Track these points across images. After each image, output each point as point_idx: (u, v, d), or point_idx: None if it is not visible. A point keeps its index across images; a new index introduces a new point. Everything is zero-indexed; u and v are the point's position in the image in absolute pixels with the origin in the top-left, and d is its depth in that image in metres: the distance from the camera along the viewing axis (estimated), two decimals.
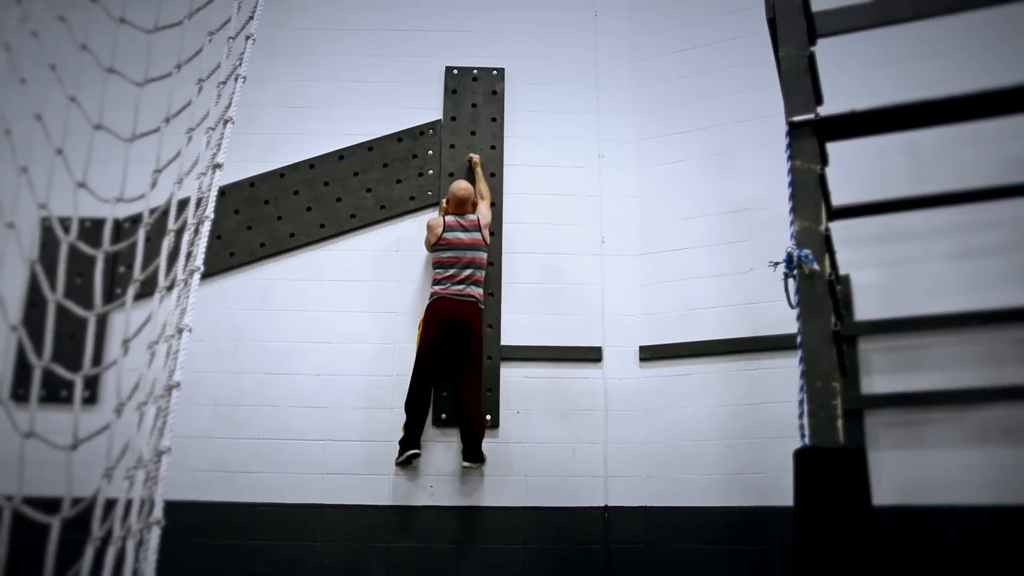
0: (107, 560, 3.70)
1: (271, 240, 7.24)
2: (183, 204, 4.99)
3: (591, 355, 7.07)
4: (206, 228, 4.19)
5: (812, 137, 4.67)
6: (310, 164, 7.45)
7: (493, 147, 7.51)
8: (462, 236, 6.92)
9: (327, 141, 7.52)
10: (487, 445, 6.78)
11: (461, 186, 7.11)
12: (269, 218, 7.28)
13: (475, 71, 7.74)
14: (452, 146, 7.51)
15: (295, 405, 6.91)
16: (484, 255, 7.00)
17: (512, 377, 6.98)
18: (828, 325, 4.38)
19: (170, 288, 4.47)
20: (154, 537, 3.14)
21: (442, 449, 6.85)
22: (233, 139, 5.35)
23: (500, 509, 6.73)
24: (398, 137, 7.56)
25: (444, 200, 7.22)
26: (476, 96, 7.66)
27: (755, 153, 7.04)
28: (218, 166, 4.38)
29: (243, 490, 6.67)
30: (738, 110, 7.23)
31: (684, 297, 7.04)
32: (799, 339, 4.41)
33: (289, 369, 6.96)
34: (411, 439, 6.71)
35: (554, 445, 6.87)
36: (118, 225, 7.27)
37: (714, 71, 7.44)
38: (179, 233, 4.86)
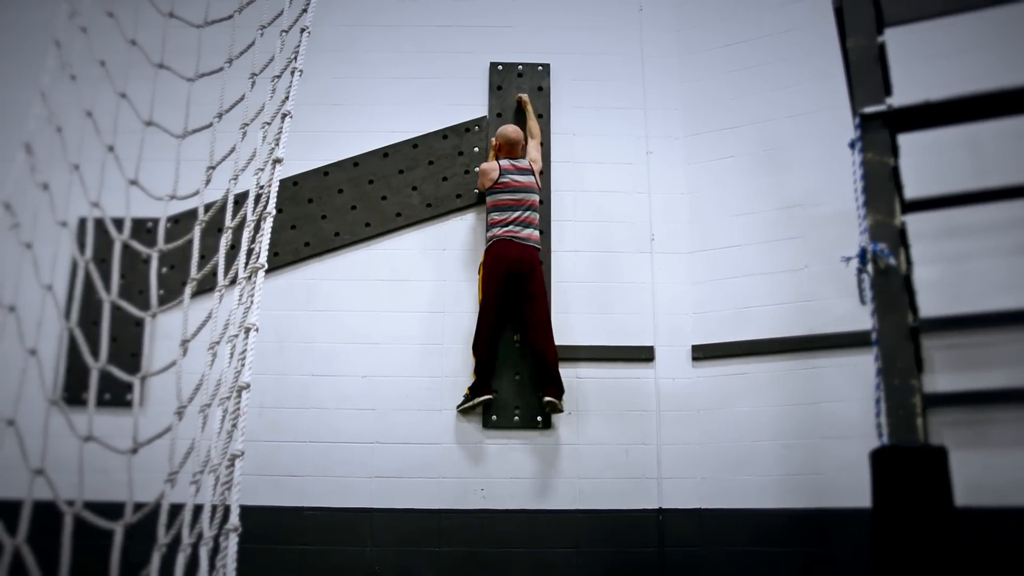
0: (177, 566, 3.60)
1: (316, 239, 7.15)
2: (230, 200, 4.91)
3: (643, 355, 6.94)
4: (268, 224, 4.09)
5: (884, 129, 4.52)
6: (354, 162, 7.35)
7: (540, 144, 7.36)
8: (519, 179, 6.91)
9: (370, 139, 7.42)
10: (539, 447, 6.73)
11: (513, 128, 7.16)
12: (313, 217, 7.18)
13: (520, 67, 7.63)
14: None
15: (342, 407, 6.81)
16: (537, 198, 7.00)
17: (563, 377, 6.80)
18: (905, 321, 4.24)
19: (231, 283, 4.38)
20: (232, 544, 3.01)
21: (493, 452, 6.74)
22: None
23: (552, 512, 6.61)
24: (443, 134, 7.45)
25: (494, 142, 7.19)
26: (522, 92, 7.54)
27: (808, 148, 6.90)
28: (278, 161, 4.30)
29: (290, 494, 6.57)
30: (789, 105, 7.09)
31: (736, 295, 6.90)
32: (874, 336, 4.26)
33: (335, 371, 6.86)
34: (483, 383, 6.73)
35: (607, 446, 6.75)
36: (157, 225, 7.19)
37: (762, 65, 7.31)
38: (236, 230, 4.77)
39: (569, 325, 7.02)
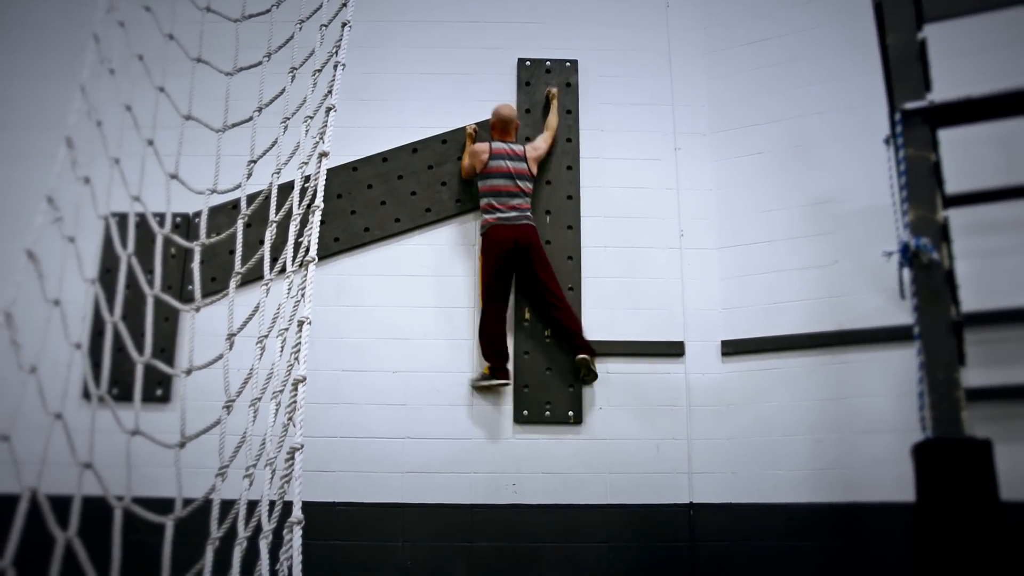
0: (234, 560, 3.61)
1: (345, 235, 7.15)
2: (274, 194, 4.92)
3: (673, 350, 6.95)
4: (316, 218, 4.09)
5: (925, 124, 4.52)
6: (383, 157, 7.35)
7: (569, 140, 7.39)
8: (510, 164, 6.92)
9: (399, 134, 7.43)
10: (570, 442, 6.75)
11: (507, 106, 7.20)
12: (343, 212, 7.18)
13: (548, 63, 7.62)
14: (527, 139, 7.37)
15: (372, 403, 6.81)
16: (531, 185, 7.00)
17: None
18: (947, 315, 4.24)
19: (280, 272, 4.38)
20: (297, 537, 3.02)
21: (524, 447, 6.74)
22: (291, 135, 5.28)
23: (584, 507, 6.61)
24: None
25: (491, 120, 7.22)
26: (551, 87, 7.52)
27: (837, 145, 6.91)
28: (324, 154, 4.29)
29: (321, 489, 6.57)
30: (817, 101, 7.09)
31: (766, 291, 6.91)
32: (916, 330, 4.26)
33: (366, 366, 6.86)
34: (498, 368, 6.74)
35: (637, 441, 6.76)
36: (188, 220, 7.20)
37: (790, 62, 7.31)
38: (282, 223, 4.77)
39: (599, 320, 7.02)
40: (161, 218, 5.22)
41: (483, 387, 6.75)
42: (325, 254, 7.07)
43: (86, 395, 6.57)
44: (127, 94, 5.26)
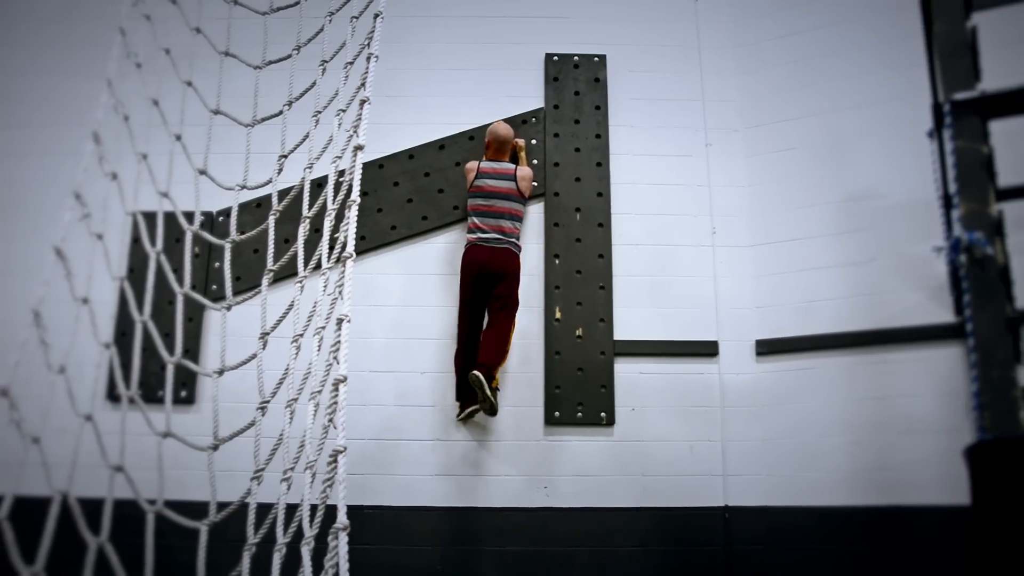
0: (274, 567, 3.51)
1: (372, 233, 7.04)
2: (307, 189, 4.82)
3: (706, 349, 6.82)
4: (354, 213, 3.98)
5: (975, 116, 4.37)
6: (409, 154, 7.25)
7: (598, 136, 7.28)
8: (494, 183, 6.76)
9: (425, 131, 7.33)
10: (602, 444, 6.65)
11: (503, 126, 6.99)
12: (369, 210, 7.05)
13: (576, 58, 7.51)
14: (556, 135, 7.28)
15: (402, 404, 6.71)
16: (519, 207, 6.82)
17: (626, 373, 6.75)
18: (1003, 312, 4.10)
19: (314, 268, 4.28)
20: (343, 543, 2.90)
21: (556, 449, 6.63)
22: (323, 129, 5.18)
23: (617, 510, 6.50)
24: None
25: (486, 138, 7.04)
26: (578, 84, 7.44)
27: (871, 140, 6.77)
28: (360, 148, 4.19)
29: (351, 492, 6.39)
30: (850, 96, 6.96)
31: (801, 289, 6.77)
32: (969, 328, 4.11)
33: (394, 367, 6.75)
34: (464, 394, 6.54)
35: (670, 443, 6.63)
36: (211, 219, 7.10)
37: (822, 56, 7.18)
38: (315, 219, 4.68)
39: (631, 320, 6.91)
40: (190, 216, 5.11)
41: (465, 417, 6.62)
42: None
43: (110, 396, 6.47)
44: (153, 89, 5.17)
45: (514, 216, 6.74)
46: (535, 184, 7.07)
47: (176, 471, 4.91)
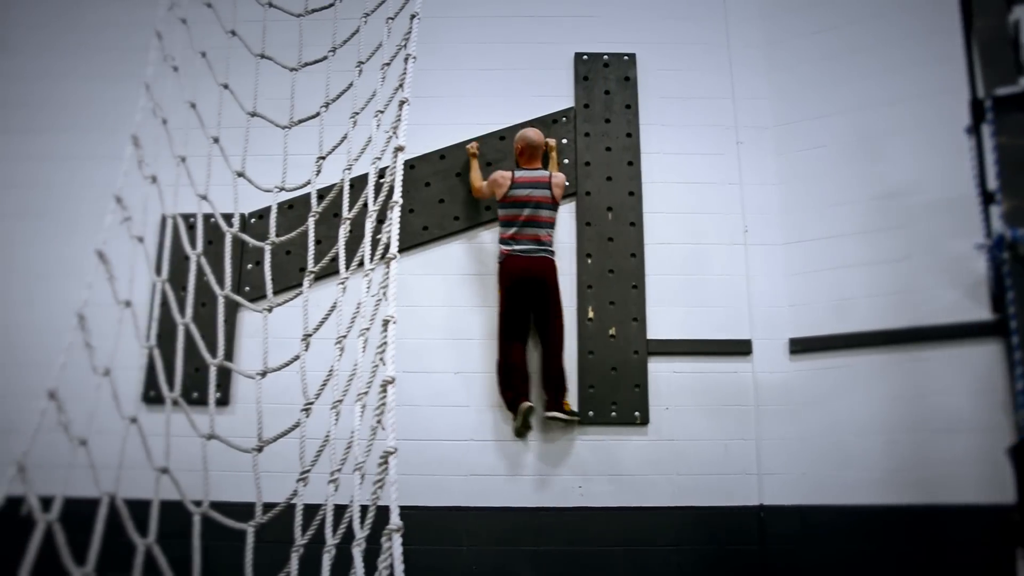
0: (324, 568, 3.52)
1: (403, 234, 6.87)
2: (346, 189, 4.82)
3: (739, 348, 6.81)
4: (396, 214, 4.00)
5: (1018, 111, 4.35)
6: (440, 155, 7.24)
7: (629, 135, 7.26)
8: (530, 192, 6.71)
9: (455, 131, 7.32)
10: (637, 443, 6.63)
11: (534, 131, 6.97)
12: (401, 210, 7.03)
13: (605, 57, 7.50)
14: (587, 134, 7.28)
15: (434, 404, 6.70)
16: (553, 214, 6.79)
17: (659, 372, 6.74)
18: None
19: (358, 266, 4.29)
20: (397, 545, 2.91)
21: (590, 448, 6.62)
22: (360, 130, 5.19)
23: (651, 509, 6.49)
24: (530, 126, 7.29)
25: (516, 145, 7.01)
26: (608, 83, 7.42)
27: (904, 136, 6.72)
28: (400, 148, 4.20)
29: (370, 493, 6.45)
30: (882, 92, 6.91)
31: (834, 287, 6.74)
32: (1012, 325, 4.09)
33: (427, 367, 6.74)
34: (515, 402, 6.50)
35: (705, 442, 6.62)
36: (244, 220, 7.11)
37: (853, 52, 7.14)
38: (356, 220, 4.68)
39: (664, 319, 6.91)
40: (228, 218, 5.14)
41: (521, 429, 6.54)
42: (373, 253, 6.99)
43: (144, 398, 6.50)
44: (190, 92, 5.20)
45: (550, 224, 6.74)
46: (567, 184, 7.07)
47: (213, 472, 4.91)
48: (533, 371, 6.72)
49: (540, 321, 6.65)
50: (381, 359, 3.65)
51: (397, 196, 3.99)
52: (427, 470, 6.54)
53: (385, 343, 3.59)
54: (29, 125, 7.61)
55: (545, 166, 7.02)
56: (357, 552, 3.16)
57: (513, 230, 6.65)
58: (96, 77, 7.66)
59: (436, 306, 6.92)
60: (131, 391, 6.36)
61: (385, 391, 3.35)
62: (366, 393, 3.82)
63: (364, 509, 3.34)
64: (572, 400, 6.66)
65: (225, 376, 6.78)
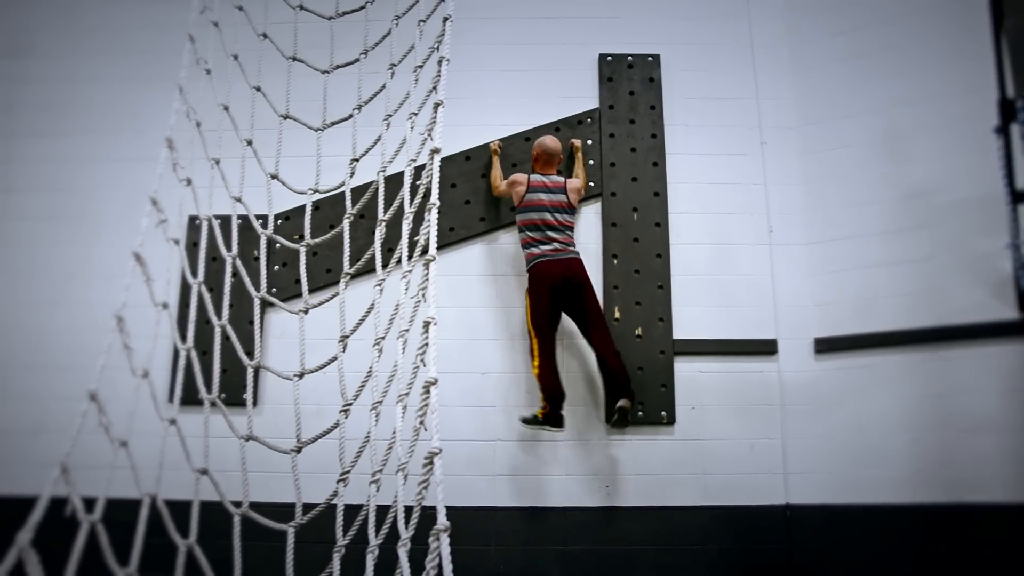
0: (368, 568, 3.55)
1: None
2: (381, 191, 4.86)
3: (765, 348, 6.83)
4: (434, 216, 4.03)
5: None
6: (466, 156, 7.27)
7: (654, 135, 7.28)
8: (547, 197, 6.68)
9: (480, 132, 7.34)
10: (663, 443, 6.67)
11: (551, 139, 6.93)
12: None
13: (630, 58, 7.52)
14: (612, 135, 7.30)
15: (462, 404, 6.72)
16: (571, 218, 6.75)
17: (685, 372, 6.77)
18: None
19: (394, 264, 4.32)
20: (445, 545, 2.94)
21: (618, 448, 6.64)
22: (371, 133, 5.22)
23: (678, 509, 6.52)
24: (555, 127, 7.35)
25: (533, 151, 6.98)
26: (633, 84, 7.44)
27: (929, 136, 6.72)
28: (436, 151, 4.24)
29: (411, 493, 6.48)
30: (907, 92, 6.91)
31: (859, 286, 6.76)
32: None
33: (455, 367, 6.72)
34: (555, 415, 6.39)
35: (731, 441, 6.65)
36: (261, 221, 7.16)
37: (876, 53, 7.14)
38: (392, 222, 4.71)
39: (690, 319, 6.93)
40: (252, 220, 5.18)
41: (531, 428, 6.50)
42: (409, 254, 7.01)
43: (171, 400, 6.52)
44: (223, 95, 5.24)
45: (570, 228, 6.71)
46: (591, 184, 7.10)
47: (236, 473, 4.93)
48: (580, 374, 6.82)
49: (584, 323, 6.59)
50: (422, 360, 3.68)
51: (434, 198, 4.03)
52: (455, 470, 6.55)
53: (426, 344, 3.60)
54: (53, 128, 7.66)
55: (568, 171, 7.06)
56: (403, 552, 3.20)
57: (535, 234, 6.62)
58: (120, 80, 7.72)
59: (463, 307, 6.94)
60: (158, 393, 6.42)
61: (428, 392, 3.37)
62: (407, 394, 3.86)
63: (408, 509, 3.34)
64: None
65: (254, 377, 6.81)
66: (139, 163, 7.35)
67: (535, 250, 6.60)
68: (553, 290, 6.48)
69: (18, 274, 7.30)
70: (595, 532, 6.49)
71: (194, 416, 4.30)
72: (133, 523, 3.42)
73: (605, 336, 6.54)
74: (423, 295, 3.84)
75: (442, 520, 2.94)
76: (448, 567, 2.84)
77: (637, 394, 6.63)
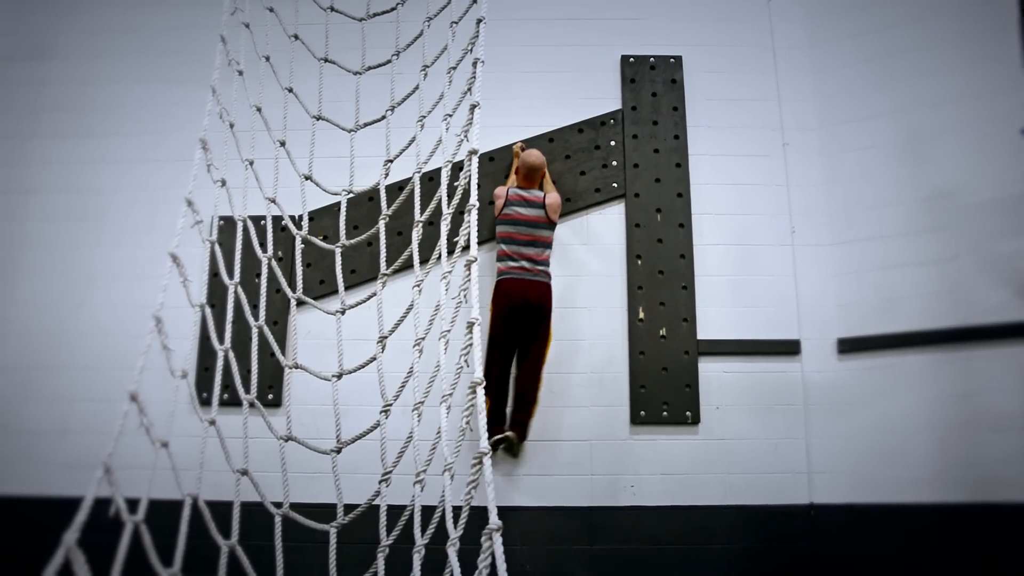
0: (415, 568, 3.57)
1: (458, 235, 7.07)
2: (417, 192, 4.88)
3: (788, 348, 6.84)
4: (474, 217, 4.04)
5: None
6: (490, 157, 7.27)
7: (677, 136, 7.31)
8: (523, 211, 6.66)
9: (505, 133, 7.35)
10: (688, 443, 6.68)
11: (535, 154, 6.87)
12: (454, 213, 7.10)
13: (652, 59, 7.54)
14: (635, 136, 7.32)
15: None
16: (548, 234, 6.70)
17: (710, 372, 6.79)
18: None
19: (433, 263, 4.34)
20: (498, 544, 2.95)
21: (643, 448, 6.66)
22: (404, 134, 5.24)
23: (703, 508, 6.54)
24: (578, 128, 7.38)
25: (514, 165, 7.03)
26: (655, 85, 7.47)
27: (952, 137, 6.74)
28: (474, 152, 4.26)
29: (438, 493, 6.50)
30: (929, 94, 6.93)
31: (882, 287, 6.77)
32: None
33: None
34: (494, 420, 6.47)
35: (755, 441, 6.66)
36: (296, 223, 7.17)
37: (898, 54, 7.16)
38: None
39: (714, 319, 6.95)
40: (278, 220, 5.21)
41: (493, 444, 6.44)
42: (435, 256, 7.04)
43: (199, 401, 6.55)
44: (254, 98, 5.26)
45: (544, 243, 6.66)
46: (615, 185, 7.12)
47: (266, 474, 4.95)
48: (600, 376, 6.87)
49: (526, 345, 6.59)
50: (466, 361, 3.69)
51: (474, 199, 4.04)
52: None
53: (470, 344, 3.62)
54: (75, 129, 7.68)
55: (542, 188, 6.97)
56: (452, 551, 3.21)
57: (507, 248, 6.60)
58: (141, 82, 7.75)
59: (486, 307, 6.94)
60: (183, 393, 6.44)
61: (475, 393, 3.38)
62: (451, 394, 3.88)
63: (456, 509, 3.36)
64: (538, 415, 6.66)
65: (277, 378, 6.85)
66: (161, 165, 7.39)
67: (502, 265, 6.60)
68: (512, 309, 6.48)
69: (41, 275, 7.32)
70: (620, 532, 6.50)
71: (221, 417, 4.28)
72: (164, 524, 3.41)
73: (533, 367, 6.58)
74: (464, 296, 3.85)
75: (494, 519, 2.96)
76: (502, 566, 2.85)
77: (667, 390, 6.70)
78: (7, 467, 6.81)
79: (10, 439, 6.89)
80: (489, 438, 6.34)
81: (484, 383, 3.46)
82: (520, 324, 6.53)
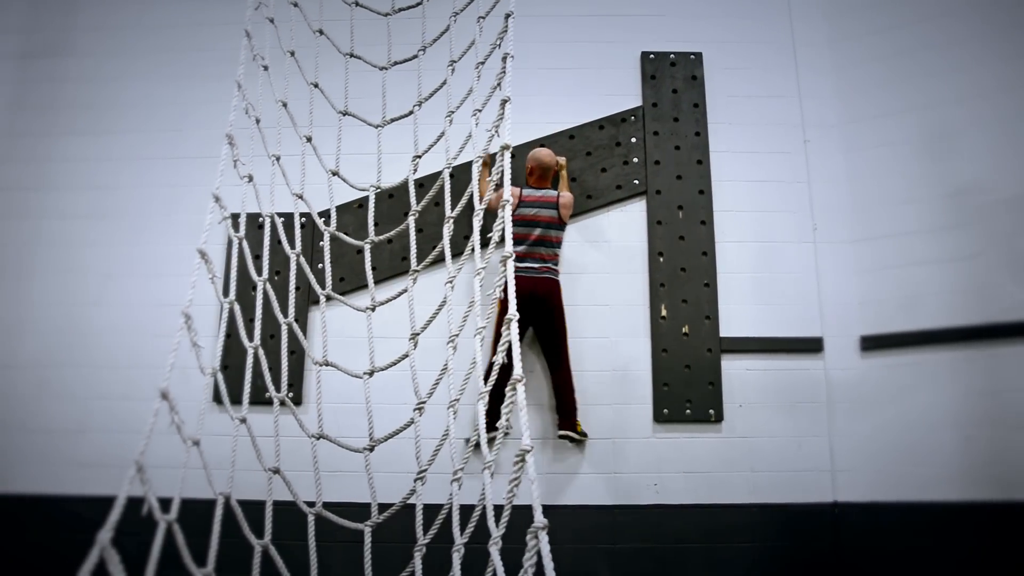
0: (454, 567, 3.54)
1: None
2: (447, 187, 4.86)
3: (811, 346, 6.81)
4: (508, 212, 4.01)
5: None
6: (512, 154, 7.21)
7: (697, 133, 7.28)
8: (535, 211, 6.65)
9: (525, 130, 7.31)
10: (711, 441, 6.66)
11: (546, 152, 6.88)
12: (472, 210, 7.07)
13: (672, 56, 7.51)
14: (655, 133, 7.29)
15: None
16: (560, 234, 6.72)
17: (732, 369, 6.76)
18: None
19: (466, 257, 4.32)
20: (544, 543, 2.91)
21: (665, 446, 6.64)
22: (429, 129, 5.22)
23: (727, 506, 6.51)
24: (599, 124, 7.36)
25: (527, 164, 6.98)
26: (676, 82, 7.43)
27: (975, 134, 6.71)
28: (507, 147, 4.23)
29: (465, 492, 6.46)
30: (952, 90, 6.90)
31: (905, 284, 6.74)
32: None
33: None
34: (491, 422, 6.32)
35: (778, 439, 6.64)
36: (323, 218, 7.16)
37: (920, 50, 7.13)
38: (459, 219, 4.70)
39: (736, 316, 6.92)
40: (322, 216, 5.18)
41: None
42: (456, 252, 6.99)
43: (216, 399, 6.52)
44: (280, 93, 5.24)
45: (557, 244, 6.67)
46: (636, 182, 7.11)
47: (289, 472, 4.91)
48: (621, 373, 6.84)
49: (546, 345, 6.64)
50: (504, 358, 3.67)
51: (507, 195, 4.00)
52: (506, 468, 6.54)
53: (508, 341, 3.59)
54: (93, 127, 7.66)
55: (555, 186, 6.94)
56: (495, 550, 3.18)
57: (521, 248, 6.57)
58: (160, 80, 7.73)
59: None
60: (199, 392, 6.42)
61: (515, 390, 3.35)
62: (487, 392, 3.86)
63: (498, 508, 3.32)
64: (580, 418, 6.65)
65: (297, 376, 6.82)
66: (179, 162, 7.37)
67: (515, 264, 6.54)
68: (520, 305, 6.38)
69: (58, 273, 7.29)
70: (644, 530, 6.48)
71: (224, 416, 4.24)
72: (192, 524, 3.37)
73: (563, 371, 6.60)
74: (499, 290, 3.83)
75: (539, 518, 2.91)
76: (549, 564, 2.81)
77: (690, 388, 6.68)
78: (25, 466, 6.78)
79: (27, 437, 6.86)
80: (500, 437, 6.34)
81: (524, 379, 3.41)
82: (528, 320, 6.51)
